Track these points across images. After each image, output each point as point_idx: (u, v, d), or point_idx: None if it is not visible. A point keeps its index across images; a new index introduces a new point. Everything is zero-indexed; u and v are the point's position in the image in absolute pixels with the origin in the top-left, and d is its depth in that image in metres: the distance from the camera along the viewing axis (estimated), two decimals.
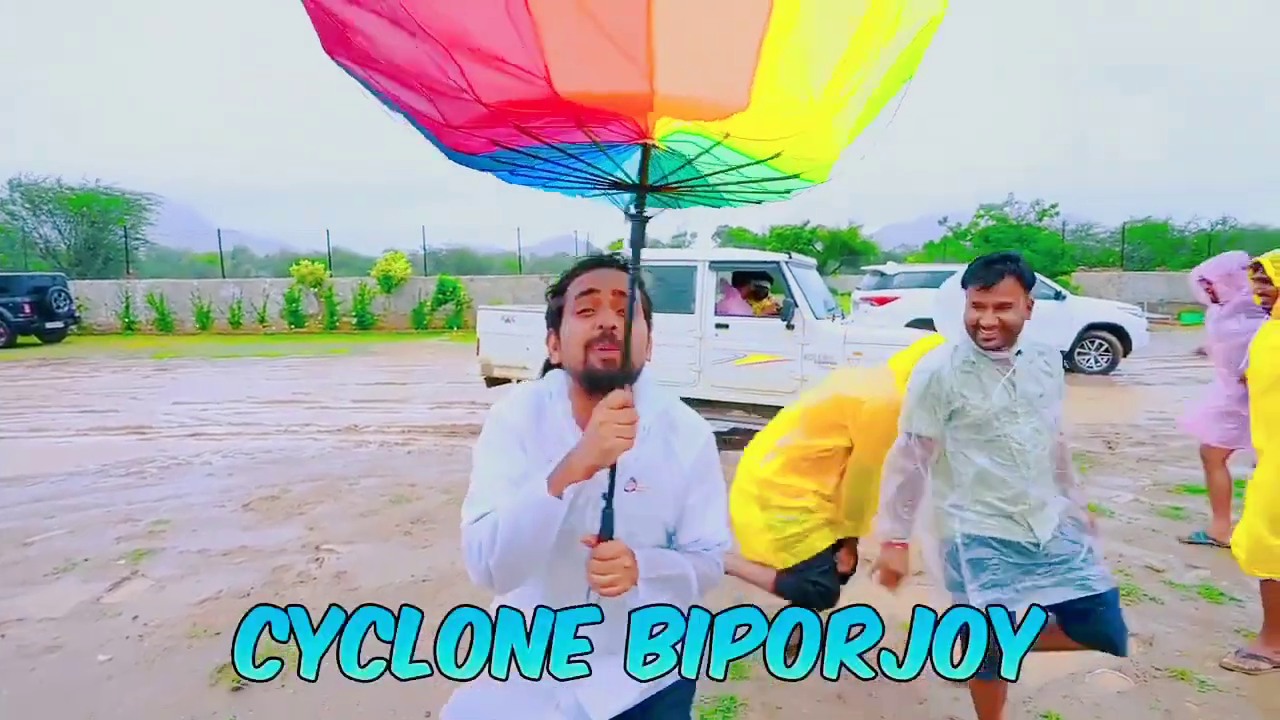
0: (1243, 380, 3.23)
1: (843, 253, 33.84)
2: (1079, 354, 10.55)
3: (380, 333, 19.15)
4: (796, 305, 5.70)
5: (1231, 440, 3.76)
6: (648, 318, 1.28)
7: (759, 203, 1.31)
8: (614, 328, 1.20)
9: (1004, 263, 1.96)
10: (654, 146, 1.03)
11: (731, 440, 6.49)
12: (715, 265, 6.13)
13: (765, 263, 6.13)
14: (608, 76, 0.84)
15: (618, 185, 1.20)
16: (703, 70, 0.85)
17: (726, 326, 5.97)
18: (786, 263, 5.92)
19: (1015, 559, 2.01)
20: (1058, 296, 10.73)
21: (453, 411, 8.15)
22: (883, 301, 11.17)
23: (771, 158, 1.03)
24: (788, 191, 1.23)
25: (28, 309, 16.26)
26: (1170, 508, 4.52)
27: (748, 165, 1.07)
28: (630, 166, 1.16)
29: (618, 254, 1.28)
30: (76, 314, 18.07)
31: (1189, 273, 4.14)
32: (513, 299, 19.10)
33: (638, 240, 1.14)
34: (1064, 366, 9.61)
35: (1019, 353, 2.01)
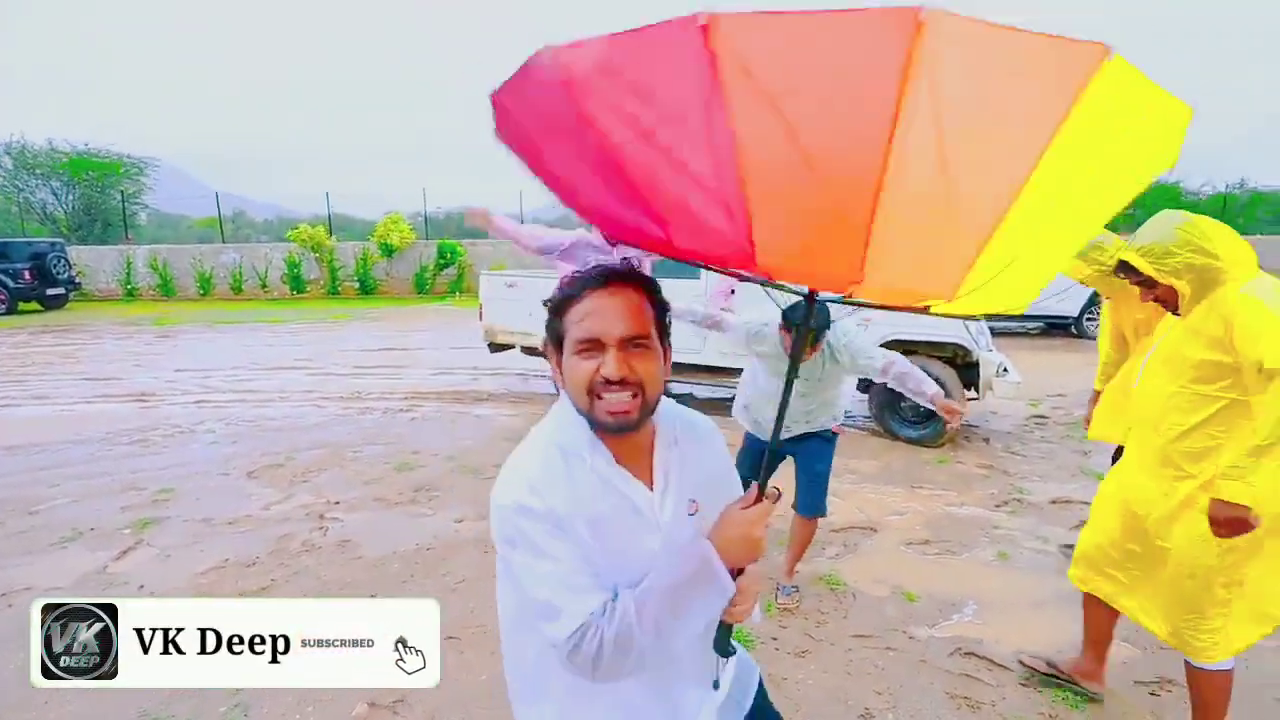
0: None
1: None
2: (1088, 320, 10.45)
3: (382, 297, 19.04)
4: None
5: None
6: (665, 338, 1.09)
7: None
8: (623, 380, 1.00)
9: None
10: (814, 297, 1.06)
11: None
12: None
13: None
14: (817, 269, 0.90)
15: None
16: (913, 271, 0.86)
17: (733, 291, 5.86)
18: None
19: None
20: None
21: (455, 377, 8.11)
22: None
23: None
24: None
25: (28, 275, 16.06)
26: None
27: None
28: None
29: (629, 260, 1.06)
30: (77, 280, 17.95)
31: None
32: (514, 263, 18.93)
33: (797, 352, 1.10)
34: (1073, 334, 9.32)
35: None
